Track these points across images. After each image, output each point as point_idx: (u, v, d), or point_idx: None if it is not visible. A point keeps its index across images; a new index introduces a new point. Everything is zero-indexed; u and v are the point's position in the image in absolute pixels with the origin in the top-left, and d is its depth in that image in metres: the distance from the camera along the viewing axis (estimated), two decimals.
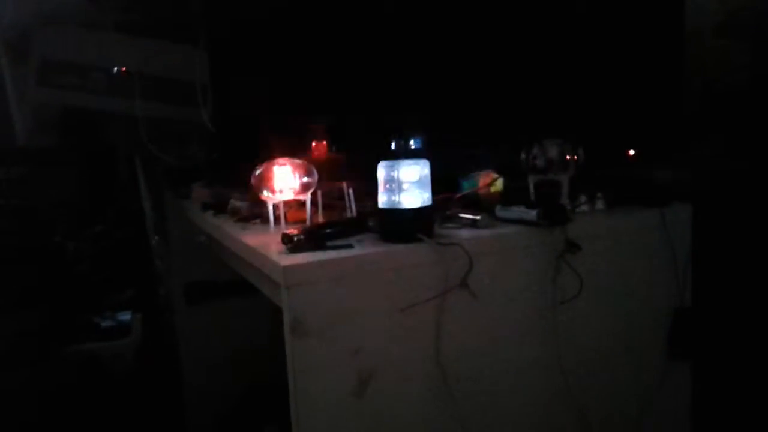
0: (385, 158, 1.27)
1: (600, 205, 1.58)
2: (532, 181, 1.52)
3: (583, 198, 1.56)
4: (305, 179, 1.40)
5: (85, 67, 2.29)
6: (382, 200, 1.27)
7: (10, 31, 2.34)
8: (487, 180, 1.57)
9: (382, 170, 1.26)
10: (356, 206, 1.50)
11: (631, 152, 1.67)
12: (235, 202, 1.64)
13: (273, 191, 1.39)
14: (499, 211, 1.45)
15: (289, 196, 1.40)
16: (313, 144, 1.70)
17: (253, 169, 1.41)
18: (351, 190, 1.50)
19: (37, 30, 2.29)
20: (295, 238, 1.22)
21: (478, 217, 1.38)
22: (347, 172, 1.55)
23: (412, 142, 1.27)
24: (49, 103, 2.35)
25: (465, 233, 1.34)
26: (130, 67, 2.30)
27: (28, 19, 2.31)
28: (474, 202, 1.52)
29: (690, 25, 1.83)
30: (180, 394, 2.43)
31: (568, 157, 1.49)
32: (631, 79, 1.76)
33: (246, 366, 2.33)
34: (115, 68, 2.28)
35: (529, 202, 1.46)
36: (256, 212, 1.57)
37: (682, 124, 1.79)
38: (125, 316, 2.33)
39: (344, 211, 1.52)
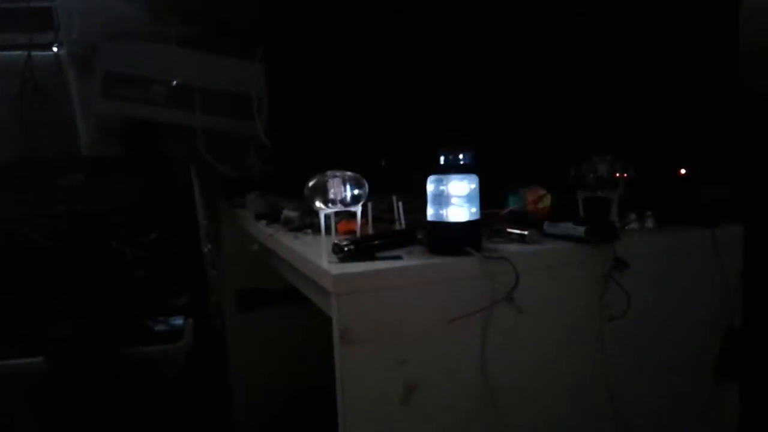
0: (435, 172, 1.29)
1: (650, 223, 1.57)
2: (580, 197, 1.52)
3: (632, 216, 1.56)
4: (356, 191, 1.43)
5: (147, 80, 2.37)
6: (431, 213, 1.29)
7: (77, 45, 2.44)
8: (535, 196, 1.58)
9: (431, 184, 1.28)
10: (405, 219, 1.53)
11: (683, 171, 1.66)
12: (288, 212, 1.68)
13: (325, 202, 1.42)
14: (547, 227, 1.45)
15: (341, 207, 1.43)
16: (366, 157, 1.73)
17: (306, 180, 1.44)
18: (400, 203, 1.52)
19: (102, 44, 2.37)
20: (346, 248, 1.25)
21: (526, 233, 1.39)
22: (397, 185, 1.57)
23: (461, 156, 1.28)
24: (112, 114, 2.43)
25: (513, 248, 1.35)
26: (190, 80, 2.37)
27: (94, 34, 2.40)
28: (522, 218, 1.53)
29: (746, 41, 1.81)
30: (229, 398, 2.47)
31: (617, 174, 1.49)
32: (684, 96, 1.75)
33: (294, 372, 2.37)
34: (174, 81, 2.36)
35: (578, 218, 1.47)
36: (308, 222, 1.61)
37: (734, 143, 1.77)
38: (177, 321, 2.38)
39: (393, 224, 1.54)
